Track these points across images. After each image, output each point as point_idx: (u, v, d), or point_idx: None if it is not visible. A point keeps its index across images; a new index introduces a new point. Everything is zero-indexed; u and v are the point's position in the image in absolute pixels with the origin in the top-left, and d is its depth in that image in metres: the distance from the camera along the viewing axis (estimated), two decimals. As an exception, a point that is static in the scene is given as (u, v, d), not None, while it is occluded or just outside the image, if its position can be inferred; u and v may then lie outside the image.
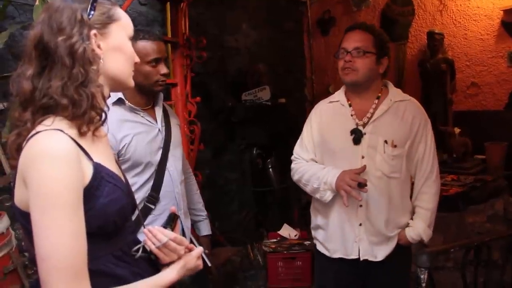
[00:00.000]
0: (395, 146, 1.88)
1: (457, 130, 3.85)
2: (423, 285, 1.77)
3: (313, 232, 2.12)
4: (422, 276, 1.78)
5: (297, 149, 2.09)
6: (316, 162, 2.03)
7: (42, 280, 0.90)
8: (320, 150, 2.01)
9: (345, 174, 1.79)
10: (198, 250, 1.16)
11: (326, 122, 2.00)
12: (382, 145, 1.87)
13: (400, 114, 1.92)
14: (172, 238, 1.09)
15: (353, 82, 1.90)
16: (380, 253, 1.91)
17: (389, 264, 1.92)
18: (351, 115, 1.94)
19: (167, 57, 1.92)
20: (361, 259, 1.91)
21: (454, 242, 2.50)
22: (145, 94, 1.89)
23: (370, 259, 1.91)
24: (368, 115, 1.92)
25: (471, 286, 2.04)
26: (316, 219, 2.07)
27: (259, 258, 3.89)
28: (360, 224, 1.90)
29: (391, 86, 2.02)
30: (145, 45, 1.81)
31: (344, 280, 1.98)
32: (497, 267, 2.16)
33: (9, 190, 2.39)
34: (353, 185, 1.73)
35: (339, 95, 2.04)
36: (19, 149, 0.97)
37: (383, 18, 4.71)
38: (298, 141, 2.11)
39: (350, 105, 1.97)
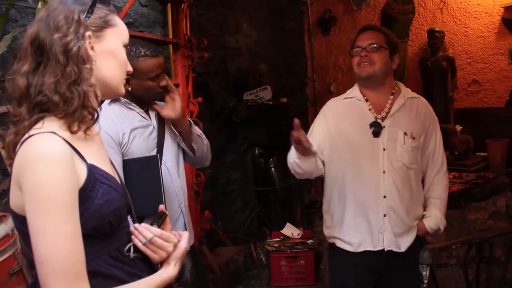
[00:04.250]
0: (414, 138, 1.97)
1: (458, 128, 3.85)
2: (425, 281, 1.77)
3: (328, 231, 2.12)
4: (424, 273, 1.78)
5: None
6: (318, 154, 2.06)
7: (42, 283, 0.90)
8: (337, 144, 2.04)
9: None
10: (185, 236, 1.16)
11: (344, 116, 2.05)
12: (402, 137, 1.96)
13: (414, 109, 2.03)
14: (158, 234, 1.09)
15: (370, 75, 1.96)
16: (403, 244, 1.97)
17: (409, 255, 1.96)
18: (369, 110, 2.00)
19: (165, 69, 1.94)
20: (386, 249, 1.95)
21: (456, 239, 2.50)
22: (141, 102, 1.92)
23: (395, 249, 1.95)
24: (386, 109, 1.99)
25: (473, 283, 2.04)
26: (334, 216, 2.08)
27: (262, 257, 3.90)
28: (385, 215, 1.94)
29: (401, 85, 2.11)
30: (148, 62, 1.82)
31: (365, 273, 2.01)
32: (500, 264, 2.16)
33: (13, 192, 2.41)
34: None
35: (354, 91, 2.09)
36: (15, 148, 0.98)
37: (384, 16, 4.72)
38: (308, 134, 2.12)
39: (366, 100, 2.02)
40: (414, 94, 2.09)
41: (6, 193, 2.31)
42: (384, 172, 1.95)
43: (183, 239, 1.15)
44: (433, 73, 3.94)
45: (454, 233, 3.05)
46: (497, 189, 3.21)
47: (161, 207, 1.22)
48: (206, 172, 3.51)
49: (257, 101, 4.25)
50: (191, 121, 2.03)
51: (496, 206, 3.10)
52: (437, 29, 4.06)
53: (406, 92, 2.06)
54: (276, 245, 3.62)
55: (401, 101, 2.01)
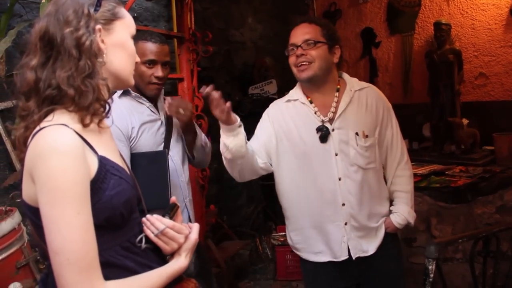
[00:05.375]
0: (367, 136, 1.84)
1: (465, 121, 3.82)
2: (431, 275, 1.76)
3: (291, 240, 2.02)
4: (430, 267, 1.78)
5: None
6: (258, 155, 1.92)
7: (56, 274, 0.92)
8: (285, 151, 1.90)
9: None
10: (195, 228, 1.18)
11: (290, 121, 1.90)
12: (354, 138, 1.83)
13: (363, 103, 1.89)
14: (170, 226, 1.11)
15: (311, 77, 1.82)
16: (370, 247, 1.88)
17: (381, 255, 1.89)
18: (315, 113, 1.86)
19: (168, 62, 1.94)
20: (354, 257, 1.85)
21: (462, 233, 2.49)
22: (142, 93, 1.93)
23: (362, 255, 1.87)
24: (332, 109, 1.86)
25: (480, 278, 2.03)
26: (293, 224, 1.98)
27: (268, 251, 3.91)
28: (346, 223, 1.84)
29: (346, 76, 1.96)
30: (144, 45, 1.85)
31: (339, 280, 1.92)
32: (507, 258, 2.15)
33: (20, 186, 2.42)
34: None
35: (296, 93, 1.94)
36: (26, 142, 0.99)
37: (390, 9, 4.68)
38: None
39: (311, 102, 1.89)
40: (362, 84, 1.94)
41: (12, 187, 2.33)
42: (339, 179, 1.82)
43: (194, 231, 1.17)
44: (439, 66, 3.91)
45: (461, 227, 3.04)
46: (504, 183, 3.18)
47: (173, 199, 1.23)
48: (211, 166, 3.51)
49: (262, 95, 4.24)
50: (199, 131, 2.05)
51: (503, 200, 3.08)
52: (443, 21, 4.02)
53: (352, 84, 1.91)
54: (282, 239, 3.62)
55: (347, 97, 1.86)
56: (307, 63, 1.80)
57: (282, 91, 4.34)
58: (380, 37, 4.80)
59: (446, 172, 3.44)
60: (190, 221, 2.01)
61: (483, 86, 4.14)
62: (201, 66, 3.29)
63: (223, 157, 1.87)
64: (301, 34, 1.83)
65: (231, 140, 1.76)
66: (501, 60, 4.02)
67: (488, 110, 4.00)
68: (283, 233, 3.69)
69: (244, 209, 4.46)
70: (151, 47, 1.86)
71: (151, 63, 1.86)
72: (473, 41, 4.15)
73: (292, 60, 1.85)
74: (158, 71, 1.88)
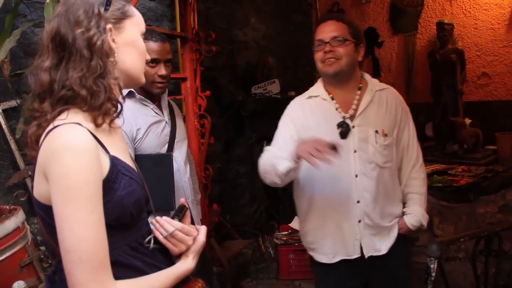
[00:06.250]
0: (386, 135, 1.86)
1: (467, 121, 3.81)
2: (433, 274, 1.77)
3: (304, 240, 2.03)
4: (432, 266, 1.78)
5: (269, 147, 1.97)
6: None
7: (67, 272, 0.93)
8: None
9: (307, 141, 1.65)
10: (203, 230, 1.19)
11: (310, 118, 1.91)
12: (373, 136, 1.84)
13: (383, 103, 1.91)
14: (179, 228, 1.11)
15: (337, 72, 1.83)
16: (383, 246, 1.88)
17: (392, 255, 1.90)
18: (336, 109, 1.88)
19: (170, 59, 1.95)
20: (366, 256, 1.86)
21: (464, 232, 2.49)
22: (148, 92, 1.94)
23: (375, 254, 1.87)
24: (354, 107, 1.87)
25: (482, 277, 2.04)
26: (307, 223, 1.99)
27: (270, 251, 3.91)
28: (359, 221, 1.85)
29: (368, 77, 1.98)
30: (146, 45, 1.84)
31: (349, 280, 1.93)
32: (509, 257, 2.15)
33: (24, 185, 2.44)
34: (322, 149, 1.56)
35: (318, 89, 1.95)
36: (38, 140, 1.00)
37: (392, 9, 4.68)
38: (273, 139, 2.00)
39: (332, 99, 1.90)
40: (383, 85, 1.97)
41: (16, 186, 2.34)
42: (356, 176, 1.83)
43: (201, 233, 1.18)
44: (442, 66, 3.91)
45: (463, 227, 3.04)
46: (507, 182, 3.18)
47: (182, 200, 1.24)
48: (214, 166, 3.52)
49: (265, 94, 4.25)
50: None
51: (505, 200, 3.07)
52: (446, 21, 4.01)
53: (373, 84, 1.94)
54: (284, 238, 3.63)
55: (369, 96, 1.88)
56: (334, 59, 1.82)
57: (285, 91, 4.35)
58: (383, 37, 4.79)
59: (449, 172, 3.44)
60: (192, 220, 2.02)
61: (486, 85, 4.14)
62: (204, 65, 3.30)
63: (261, 174, 1.86)
64: (329, 31, 1.83)
65: (271, 170, 1.77)
66: (504, 60, 4.02)
67: (491, 109, 3.99)
68: (286, 233, 3.70)
69: (247, 208, 4.47)
70: (152, 46, 1.87)
71: (154, 62, 1.87)
72: (475, 41, 4.14)
73: (319, 55, 1.85)
74: (162, 70, 1.90)
